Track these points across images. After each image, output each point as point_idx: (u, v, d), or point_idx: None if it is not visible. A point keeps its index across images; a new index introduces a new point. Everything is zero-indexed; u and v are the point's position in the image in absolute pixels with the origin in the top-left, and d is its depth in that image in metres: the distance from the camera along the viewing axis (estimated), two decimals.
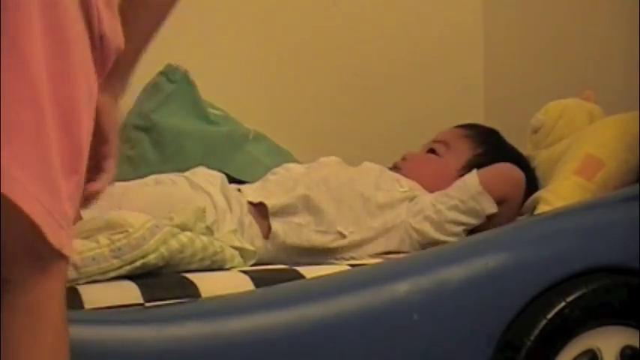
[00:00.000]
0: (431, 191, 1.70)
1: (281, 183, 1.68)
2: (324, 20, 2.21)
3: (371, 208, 1.66)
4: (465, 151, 1.78)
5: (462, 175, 1.69)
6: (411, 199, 1.68)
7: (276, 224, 1.60)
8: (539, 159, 1.81)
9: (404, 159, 1.81)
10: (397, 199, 1.68)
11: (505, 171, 1.64)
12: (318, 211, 1.63)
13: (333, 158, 1.78)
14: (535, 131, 1.86)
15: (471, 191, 1.63)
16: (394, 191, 1.69)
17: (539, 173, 1.79)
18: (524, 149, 1.84)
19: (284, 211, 1.62)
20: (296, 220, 1.62)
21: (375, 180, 1.70)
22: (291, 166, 1.76)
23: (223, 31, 2.12)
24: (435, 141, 1.82)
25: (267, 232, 1.61)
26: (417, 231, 1.65)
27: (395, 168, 1.80)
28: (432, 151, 1.80)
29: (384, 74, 2.26)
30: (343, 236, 1.62)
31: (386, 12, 2.26)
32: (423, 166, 1.78)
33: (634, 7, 1.89)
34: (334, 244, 1.61)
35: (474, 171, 1.67)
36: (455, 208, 1.63)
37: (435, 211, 1.64)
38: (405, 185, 1.70)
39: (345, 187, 1.67)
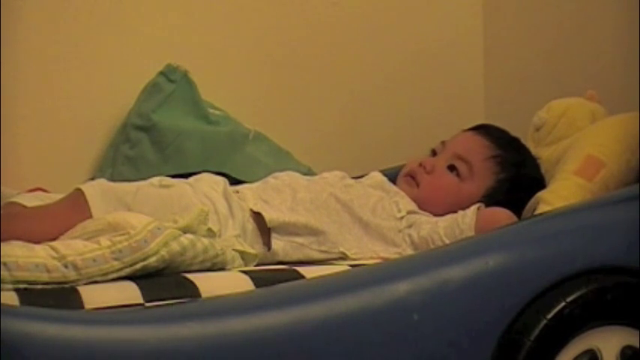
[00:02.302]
0: (439, 213, 1.70)
1: (281, 190, 1.67)
2: (325, 20, 2.21)
3: (370, 232, 1.66)
4: (487, 176, 1.76)
5: (478, 202, 1.70)
6: (409, 225, 1.68)
7: (277, 243, 1.60)
8: (541, 158, 1.81)
9: (422, 167, 1.78)
10: (393, 227, 1.67)
11: (501, 222, 1.60)
12: (320, 232, 1.63)
13: (336, 173, 1.76)
14: (537, 129, 1.86)
15: (463, 228, 1.64)
16: (391, 219, 1.68)
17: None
18: None
19: (285, 229, 1.61)
20: (297, 239, 1.61)
21: (374, 204, 1.69)
22: (294, 175, 1.74)
23: (223, 31, 2.12)
24: (456, 155, 1.77)
25: (267, 240, 1.61)
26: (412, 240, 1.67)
27: (411, 177, 1.78)
28: (452, 167, 1.77)
29: (384, 74, 2.26)
30: (346, 256, 1.62)
31: (386, 12, 2.26)
32: (442, 190, 1.75)
33: (634, 7, 1.89)
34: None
35: (475, 210, 1.66)
36: (447, 236, 1.64)
37: (432, 231, 1.65)
38: (403, 209, 1.70)
39: (344, 211, 1.67)
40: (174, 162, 1.93)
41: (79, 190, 1.53)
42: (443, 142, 1.81)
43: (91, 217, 1.48)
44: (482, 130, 1.82)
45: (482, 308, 1.37)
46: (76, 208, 1.50)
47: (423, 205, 1.73)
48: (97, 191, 1.53)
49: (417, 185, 1.77)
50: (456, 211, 1.68)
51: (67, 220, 1.47)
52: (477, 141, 1.80)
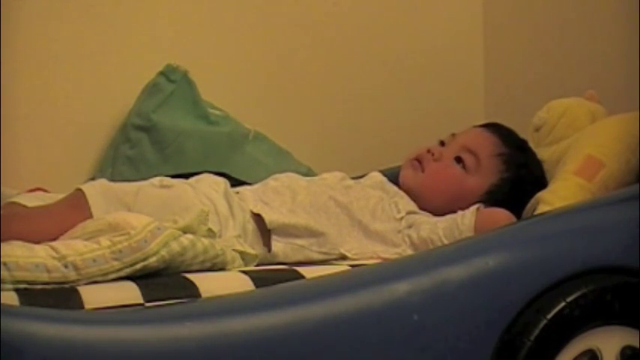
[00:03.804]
0: (440, 204, 1.71)
1: (281, 192, 1.67)
2: (324, 20, 2.21)
3: (370, 235, 1.66)
4: (492, 173, 1.76)
5: (480, 200, 1.70)
6: (409, 226, 1.68)
7: (277, 245, 1.60)
8: (542, 158, 1.81)
9: (430, 153, 1.78)
10: (393, 228, 1.67)
11: (500, 223, 1.60)
12: (320, 234, 1.62)
13: (336, 174, 1.76)
14: (537, 129, 1.86)
15: (462, 229, 1.64)
16: (390, 221, 1.68)
17: None
18: None
19: (285, 231, 1.61)
20: (298, 241, 1.61)
21: (373, 206, 1.69)
22: (293, 177, 1.74)
23: (223, 31, 2.12)
24: (465, 147, 1.77)
25: (267, 241, 1.60)
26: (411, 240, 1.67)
27: (417, 162, 1.78)
28: (459, 159, 1.77)
29: (384, 74, 2.26)
30: (346, 257, 1.62)
31: (386, 12, 2.26)
32: (446, 180, 1.75)
33: (634, 7, 1.89)
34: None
35: (474, 211, 1.66)
36: (447, 236, 1.64)
37: (432, 232, 1.65)
38: (402, 210, 1.70)
39: (344, 214, 1.66)
40: (174, 162, 1.93)
41: (80, 190, 1.53)
42: (453, 135, 1.82)
43: (91, 217, 1.48)
44: (493, 127, 1.83)
45: (482, 308, 1.37)
46: (76, 208, 1.50)
47: (424, 192, 1.73)
48: (97, 191, 1.53)
49: (422, 170, 1.77)
50: (456, 204, 1.68)
51: (68, 220, 1.47)
52: (487, 137, 1.80)
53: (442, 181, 1.75)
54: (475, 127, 1.85)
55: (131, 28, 2.04)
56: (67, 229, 1.45)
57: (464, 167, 1.76)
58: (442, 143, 1.81)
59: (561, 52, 2.16)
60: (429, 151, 1.79)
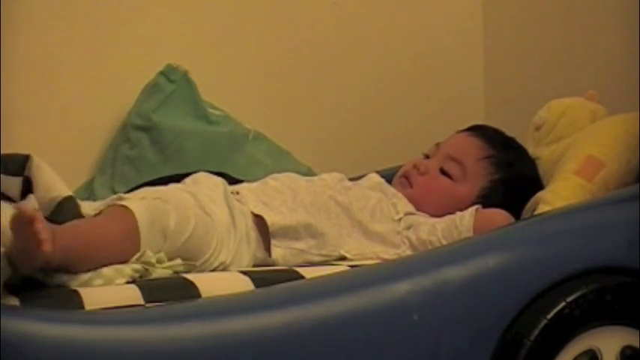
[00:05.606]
0: (434, 214, 1.71)
1: (281, 191, 1.67)
2: (324, 20, 2.21)
3: (370, 235, 1.66)
4: (481, 177, 1.76)
5: (473, 203, 1.70)
6: (407, 227, 1.68)
7: (277, 250, 1.59)
8: (541, 158, 1.81)
9: (416, 168, 1.78)
10: (392, 229, 1.67)
11: (499, 223, 1.60)
12: (321, 235, 1.62)
13: (334, 175, 1.75)
14: (537, 128, 1.86)
15: (461, 230, 1.64)
16: (389, 222, 1.68)
17: (540, 172, 1.79)
18: (526, 147, 1.84)
19: (285, 234, 1.60)
20: (298, 245, 1.60)
21: (372, 207, 1.69)
22: (293, 177, 1.73)
23: (223, 31, 2.12)
24: (449, 157, 1.77)
25: (268, 245, 1.60)
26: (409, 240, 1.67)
27: (405, 179, 1.78)
28: (444, 171, 1.77)
29: (384, 75, 2.26)
30: (346, 258, 1.62)
31: (386, 12, 2.26)
32: (435, 192, 1.75)
33: (634, 7, 1.90)
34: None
35: (473, 212, 1.66)
36: (445, 237, 1.64)
37: (430, 233, 1.65)
38: (400, 211, 1.70)
39: (344, 214, 1.66)
40: (174, 162, 1.92)
41: (132, 215, 1.40)
42: (437, 145, 1.82)
43: (138, 250, 1.39)
44: (477, 130, 1.82)
45: (482, 308, 1.37)
46: (128, 240, 1.39)
47: (417, 206, 1.73)
48: (146, 221, 1.41)
49: (410, 186, 1.77)
50: (452, 212, 1.68)
51: (120, 254, 1.38)
52: (470, 142, 1.80)
53: (431, 194, 1.75)
54: (458, 132, 1.84)
55: (131, 28, 2.04)
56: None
57: (450, 177, 1.76)
58: (427, 156, 1.81)
59: (561, 52, 2.16)
60: (414, 166, 1.78)
